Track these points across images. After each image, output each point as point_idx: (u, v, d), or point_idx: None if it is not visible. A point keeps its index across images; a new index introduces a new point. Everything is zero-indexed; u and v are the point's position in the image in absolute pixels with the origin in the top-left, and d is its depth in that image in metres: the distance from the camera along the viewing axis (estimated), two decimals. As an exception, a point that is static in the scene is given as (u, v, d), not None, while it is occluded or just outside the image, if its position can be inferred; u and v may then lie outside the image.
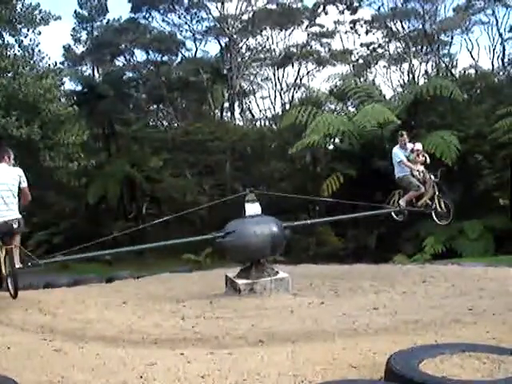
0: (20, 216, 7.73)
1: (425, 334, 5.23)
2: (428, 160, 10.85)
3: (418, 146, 11.10)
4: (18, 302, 8.45)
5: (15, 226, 7.52)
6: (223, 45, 31.14)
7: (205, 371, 4.17)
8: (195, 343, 5.86)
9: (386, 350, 4.34)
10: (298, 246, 21.09)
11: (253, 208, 9.53)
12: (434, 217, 11.25)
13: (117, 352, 5.04)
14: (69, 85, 27.29)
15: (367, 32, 33.88)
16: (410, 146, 11.06)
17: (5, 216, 7.50)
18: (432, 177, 10.91)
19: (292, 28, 32.87)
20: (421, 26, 31.09)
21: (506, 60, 31.03)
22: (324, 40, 33.70)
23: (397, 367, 3.53)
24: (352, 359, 4.32)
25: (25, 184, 7.87)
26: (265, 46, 33.28)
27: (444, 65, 31.82)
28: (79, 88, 27.89)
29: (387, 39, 34.04)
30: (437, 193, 10.93)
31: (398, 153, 10.97)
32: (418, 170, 10.83)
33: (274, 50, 33.36)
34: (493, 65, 31.71)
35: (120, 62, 33.43)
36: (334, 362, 4.28)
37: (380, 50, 34.86)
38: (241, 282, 9.09)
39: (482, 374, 3.47)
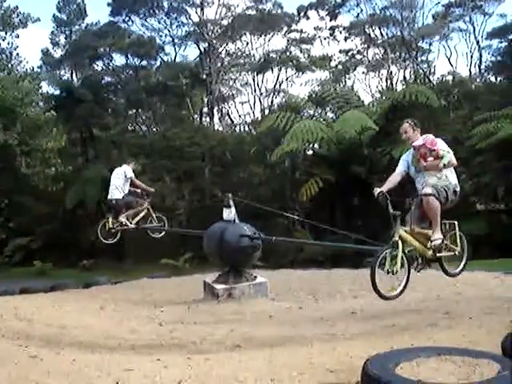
0: None
1: (401, 338, 5.28)
2: (449, 161, 6.41)
3: (427, 139, 6.63)
4: (-8, 308, 8.35)
5: None
6: (202, 50, 31.10)
7: (181, 376, 4.15)
8: (172, 348, 5.84)
9: (363, 354, 4.37)
10: (277, 251, 21.08)
11: (225, 213, 9.56)
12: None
13: (93, 358, 5.00)
14: (47, 89, 27.10)
15: (346, 38, 34.06)
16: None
17: None
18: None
19: (272, 34, 32.95)
20: (399, 33, 31.37)
21: (482, 67, 31.43)
22: (303, 46, 33.79)
23: (373, 371, 3.54)
24: (329, 363, 4.33)
25: None
26: (244, 52, 33.31)
27: (422, 71, 32.11)
28: (57, 92, 27.69)
29: (366, 45, 34.28)
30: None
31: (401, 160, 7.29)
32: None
33: (254, 55, 33.39)
34: (470, 71, 32.10)
35: (99, 66, 33.17)
36: (311, 366, 4.30)
37: (359, 57, 35.03)
38: (219, 286, 9.10)
39: (458, 377, 3.49)
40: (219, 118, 32.91)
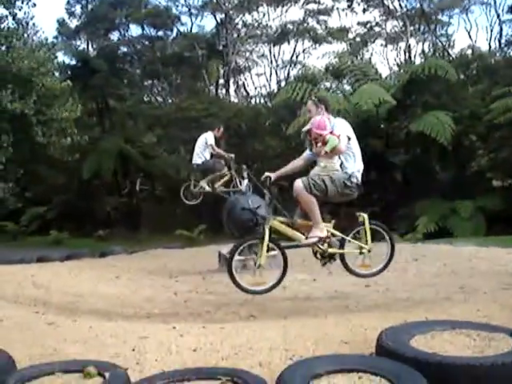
0: None
1: (415, 311, 5.27)
2: (333, 148, 5.85)
3: (314, 122, 6.05)
4: (11, 275, 8.47)
5: None
6: (219, 20, 30.84)
7: (196, 345, 4.19)
8: (187, 317, 5.90)
9: (377, 326, 4.37)
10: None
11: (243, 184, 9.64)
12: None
13: (109, 325, 5.06)
14: (63, 59, 27.07)
15: (364, 10, 33.59)
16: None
17: None
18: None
19: (289, 5, 32.57)
20: (419, 5, 30.83)
21: (502, 41, 30.87)
22: (321, 17, 33.41)
23: (388, 343, 3.56)
24: (343, 335, 4.35)
25: None
26: (261, 23, 33.01)
27: (441, 45, 31.64)
28: (73, 62, 27.70)
29: (384, 18, 33.79)
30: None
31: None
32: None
33: (271, 26, 33.10)
34: (490, 46, 31.60)
35: (115, 36, 33.03)
36: (326, 337, 4.31)
37: (377, 29, 34.62)
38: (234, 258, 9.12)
39: (473, 350, 3.50)
40: (235, 90, 32.77)
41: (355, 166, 6.03)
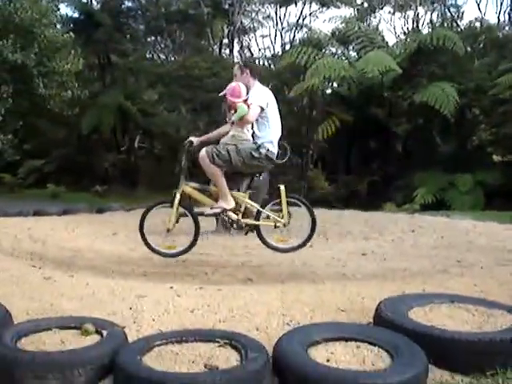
0: None
1: (412, 283, 5.27)
2: (241, 117, 5.61)
3: (229, 88, 5.76)
4: (8, 228, 8.46)
5: None
6: (225, -22, 30.23)
7: (194, 305, 4.19)
8: (185, 278, 5.91)
9: (375, 295, 4.38)
10: (290, 188, 21.10)
11: None
12: None
13: (106, 282, 5.05)
14: (66, 12, 26.62)
15: (374, -25, 32.98)
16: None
17: None
18: None
19: (298, -35, 31.91)
20: (429, -28, 30.27)
21: (512, 14, 30.33)
22: (329, -20, 32.79)
23: (387, 313, 3.56)
24: (340, 302, 4.35)
25: None
26: (268, -17, 32.38)
27: (450, 15, 31.17)
28: (76, 15, 27.22)
29: (394, -16, 33.17)
30: None
31: None
32: None
33: (278, -14, 32.46)
34: (499, 19, 31.08)
35: (119, -10, 32.42)
36: (323, 304, 4.31)
37: (386, -5, 34.00)
38: (232, 220, 9.10)
39: (471, 325, 3.50)
40: (238, 51, 32.33)
41: (268, 136, 5.71)
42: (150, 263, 6.61)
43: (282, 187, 5.81)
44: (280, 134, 5.89)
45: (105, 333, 3.26)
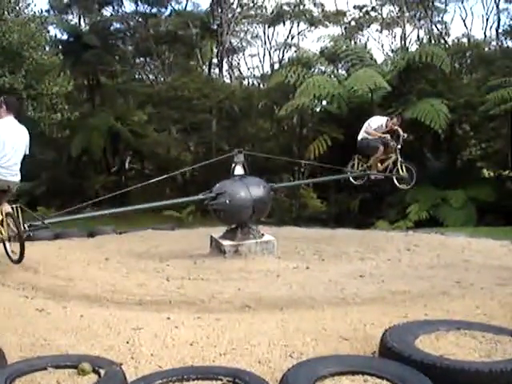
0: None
1: (414, 306, 5.19)
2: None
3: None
4: (-2, 255, 8.26)
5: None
6: (214, -1, 30.37)
7: (193, 337, 4.07)
8: (181, 306, 5.76)
9: (377, 321, 4.30)
10: (282, 207, 21.04)
11: (237, 169, 9.42)
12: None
13: (101, 313, 4.92)
14: (54, 33, 26.55)
15: (361, -7, 33.32)
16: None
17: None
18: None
19: (285, -14, 32.14)
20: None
21: (500, 30, 30.64)
22: (317, 0, 33.04)
23: (393, 344, 3.45)
24: (343, 330, 4.25)
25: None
26: (256, 3, 32.57)
27: (437, 31, 31.45)
28: (65, 37, 27.20)
29: (381, 2, 33.46)
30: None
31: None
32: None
33: (266, 7, 32.69)
34: (485, 35, 31.41)
35: (108, 12, 32.41)
36: (325, 332, 4.21)
37: (373, 14, 34.29)
38: (226, 243, 9.00)
39: (480, 354, 3.41)
40: (228, 70, 32.43)
41: None
42: (144, 291, 6.46)
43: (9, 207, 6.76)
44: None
45: (102, 372, 3.13)
